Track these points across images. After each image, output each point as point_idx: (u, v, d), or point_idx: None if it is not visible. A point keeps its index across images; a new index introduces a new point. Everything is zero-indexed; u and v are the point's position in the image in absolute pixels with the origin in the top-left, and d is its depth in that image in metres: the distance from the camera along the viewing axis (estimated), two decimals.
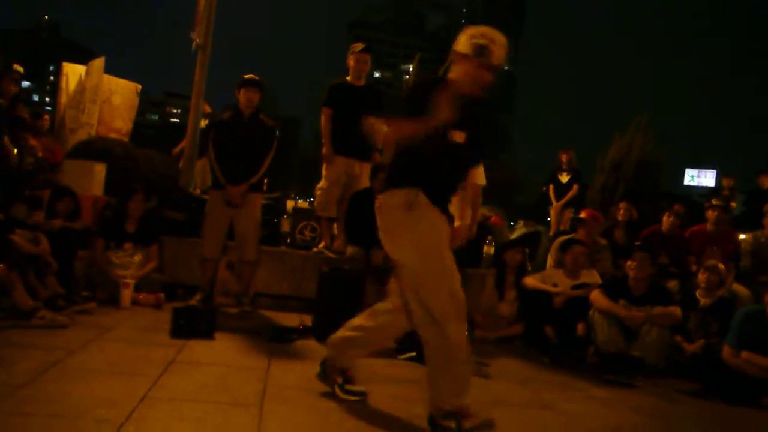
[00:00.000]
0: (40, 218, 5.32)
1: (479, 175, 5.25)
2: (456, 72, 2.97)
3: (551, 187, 9.14)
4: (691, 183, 43.99)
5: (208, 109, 8.66)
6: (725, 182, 9.43)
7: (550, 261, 6.26)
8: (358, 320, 3.30)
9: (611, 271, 5.92)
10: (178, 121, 77.52)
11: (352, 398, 3.22)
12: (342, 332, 3.31)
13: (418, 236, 2.86)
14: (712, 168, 44.35)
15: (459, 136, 2.92)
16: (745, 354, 4.33)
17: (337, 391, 3.25)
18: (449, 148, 2.93)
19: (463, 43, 2.92)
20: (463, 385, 2.88)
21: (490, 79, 2.93)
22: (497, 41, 2.89)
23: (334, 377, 3.29)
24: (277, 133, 5.68)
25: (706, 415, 3.92)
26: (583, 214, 6.46)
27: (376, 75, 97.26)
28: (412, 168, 2.95)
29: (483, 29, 2.95)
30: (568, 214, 8.57)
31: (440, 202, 2.98)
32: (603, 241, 6.38)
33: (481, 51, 2.86)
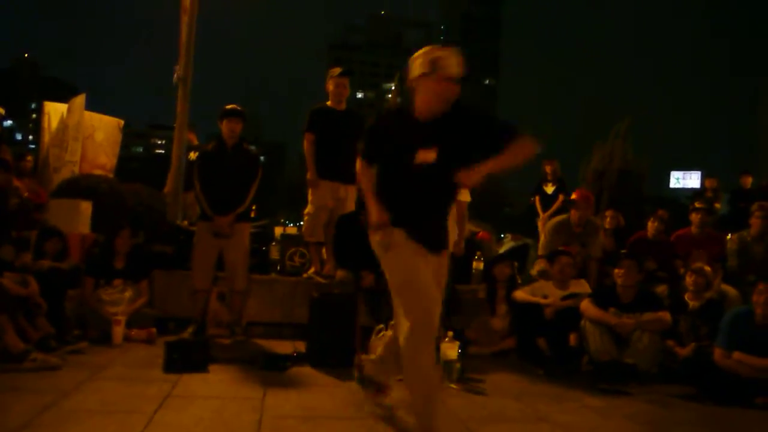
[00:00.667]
0: (27, 259, 5.30)
1: (463, 192, 5.31)
2: (419, 96, 3.00)
3: (537, 198, 9.23)
4: (677, 185, 44.32)
5: (195, 141, 8.66)
6: (708, 183, 9.57)
7: (542, 241, 6.35)
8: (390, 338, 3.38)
9: (605, 248, 5.99)
10: (163, 152, 77.36)
11: (379, 411, 3.43)
12: (377, 350, 3.52)
13: (393, 274, 3.00)
14: (697, 169, 44.75)
15: (427, 156, 2.96)
16: (736, 354, 4.37)
17: (368, 401, 3.50)
18: (419, 173, 2.97)
19: (415, 67, 2.98)
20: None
21: (454, 90, 2.96)
22: (446, 53, 2.96)
23: (369, 389, 3.54)
24: (262, 160, 5.71)
25: (701, 419, 3.95)
26: (574, 195, 6.55)
27: (359, 95, 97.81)
28: (387, 206, 3.04)
29: (427, 49, 3.02)
30: None
31: (422, 231, 3.03)
32: (598, 222, 6.46)
33: (434, 65, 2.91)
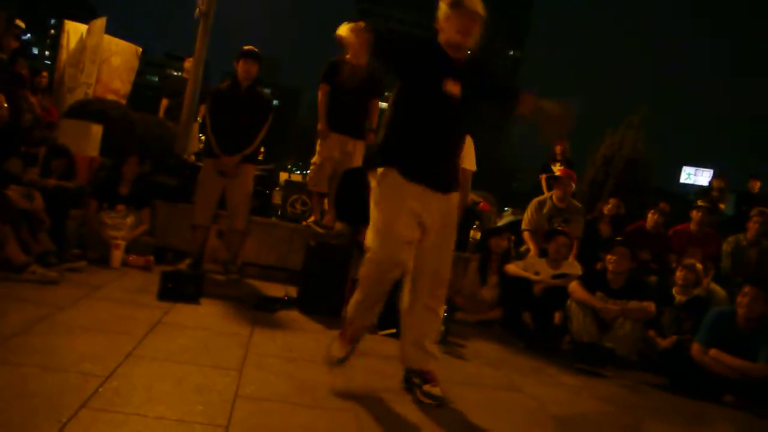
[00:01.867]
0: (34, 175, 5.39)
1: (469, 160, 5.35)
2: (445, 33, 3.12)
3: (543, 177, 9.24)
4: (688, 181, 44.07)
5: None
6: (715, 183, 9.52)
7: (525, 218, 6.49)
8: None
9: (602, 234, 6.07)
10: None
11: (431, 402, 3.12)
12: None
13: (373, 209, 3.13)
14: (710, 167, 44.43)
15: (454, 87, 3.09)
16: (713, 352, 4.47)
17: (418, 394, 3.18)
18: (442, 101, 3.08)
19: (441, 9, 3.13)
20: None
21: (477, 27, 3.10)
22: None
23: (412, 379, 3.27)
24: (274, 104, 5.73)
25: (669, 407, 4.07)
26: (557, 172, 6.61)
27: None
28: (392, 144, 3.16)
29: None
30: None
31: (425, 172, 3.12)
32: (578, 204, 6.54)
33: (455, 3, 3.06)
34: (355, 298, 3.28)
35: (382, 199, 3.11)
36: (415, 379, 3.22)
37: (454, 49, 3.12)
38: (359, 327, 3.34)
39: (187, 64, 8.48)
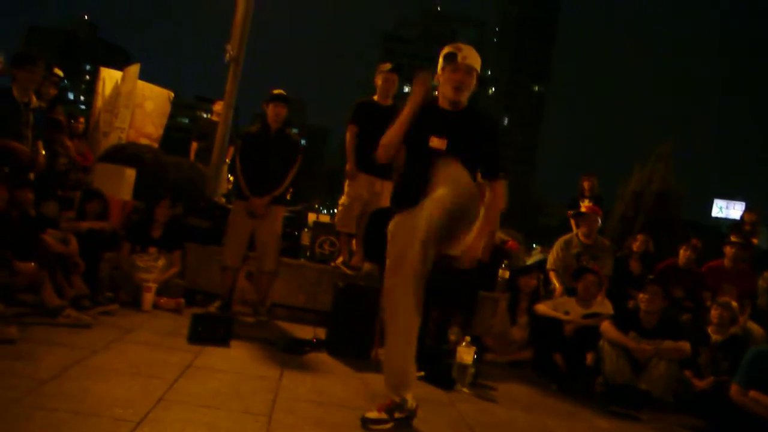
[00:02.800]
0: (70, 219, 5.51)
1: (500, 197, 5.33)
2: (441, 87, 3.29)
3: (570, 213, 9.17)
4: (720, 215, 43.41)
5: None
6: (747, 217, 9.35)
7: (550, 258, 6.43)
8: None
9: (632, 272, 6.00)
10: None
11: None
12: None
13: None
14: (742, 200, 43.75)
15: (438, 143, 3.23)
16: (752, 393, 4.33)
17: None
18: (428, 155, 3.18)
19: (439, 60, 3.29)
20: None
21: (467, 82, 3.23)
22: (465, 47, 3.27)
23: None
24: (303, 143, 5.82)
25: None
26: (583, 209, 6.56)
27: (406, 90, 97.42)
28: (403, 186, 3.42)
29: (449, 45, 3.34)
30: None
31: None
32: (606, 242, 6.47)
33: (448, 57, 3.22)
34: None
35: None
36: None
37: (449, 103, 3.27)
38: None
39: (217, 107, 8.67)
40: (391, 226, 3.39)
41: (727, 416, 4.35)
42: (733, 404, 4.36)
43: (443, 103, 3.30)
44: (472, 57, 3.24)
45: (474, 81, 3.27)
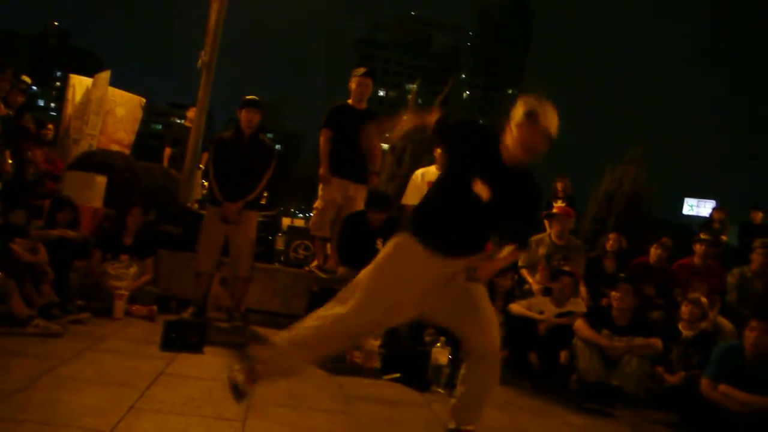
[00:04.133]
0: (38, 227, 5.43)
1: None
2: (512, 137, 2.93)
3: (543, 214, 9.25)
4: (691, 212, 44.09)
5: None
6: (716, 215, 9.54)
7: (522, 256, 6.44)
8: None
9: (606, 270, 6.06)
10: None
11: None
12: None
13: (376, 271, 2.96)
14: (712, 198, 44.51)
15: (482, 190, 2.92)
16: (722, 387, 4.41)
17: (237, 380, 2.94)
18: (468, 199, 2.92)
19: (519, 110, 2.93)
20: None
21: (542, 146, 2.92)
22: (547, 108, 2.91)
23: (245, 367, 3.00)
24: (278, 148, 5.81)
25: None
26: (555, 209, 6.63)
27: (381, 94, 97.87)
28: (423, 217, 3.03)
29: (534, 99, 2.98)
30: None
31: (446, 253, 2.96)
32: (578, 242, 6.53)
33: (530, 114, 2.87)
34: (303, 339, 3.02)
35: (393, 264, 2.98)
36: None
37: (511, 157, 2.95)
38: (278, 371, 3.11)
39: (191, 113, 8.61)
40: (395, 250, 3.00)
41: (697, 410, 4.42)
42: (704, 398, 4.44)
43: (507, 152, 2.94)
44: (555, 124, 2.91)
45: (546, 147, 2.94)
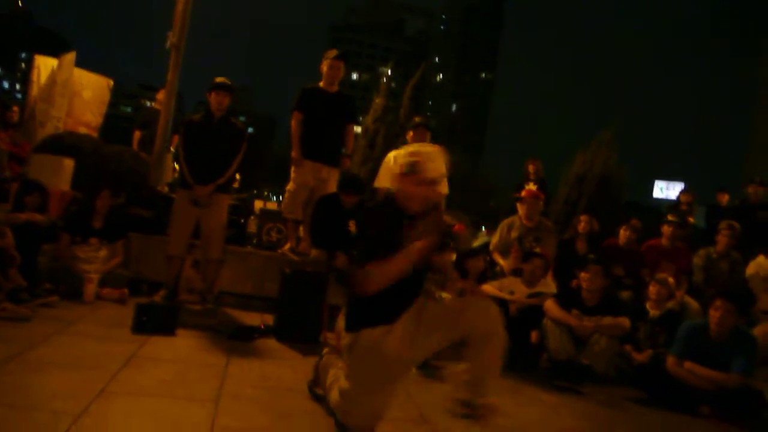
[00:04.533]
0: (5, 211, 5.33)
1: (443, 184, 5.40)
2: (400, 192, 2.90)
3: (514, 196, 9.34)
4: (660, 195, 44.78)
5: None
6: (683, 198, 9.69)
7: (493, 240, 6.58)
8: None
9: (554, 255, 6.20)
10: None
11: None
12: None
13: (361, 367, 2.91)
14: (681, 180, 45.21)
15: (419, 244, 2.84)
16: (687, 364, 4.53)
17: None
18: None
19: (397, 165, 2.92)
20: None
21: (433, 191, 2.90)
22: (426, 156, 2.86)
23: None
24: (250, 131, 5.76)
25: (646, 421, 4.12)
26: (523, 193, 6.69)
27: (354, 77, 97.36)
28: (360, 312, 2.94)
29: (412, 147, 2.98)
30: None
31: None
32: (549, 223, 6.61)
33: (413, 168, 2.83)
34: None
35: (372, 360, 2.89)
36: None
37: (408, 209, 2.90)
38: None
39: (160, 95, 8.49)
40: (356, 356, 2.91)
41: (664, 387, 4.53)
42: (670, 375, 4.55)
43: (405, 207, 2.89)
44: (432, 169, 2.83)
45: (438, 187, 2.93)
